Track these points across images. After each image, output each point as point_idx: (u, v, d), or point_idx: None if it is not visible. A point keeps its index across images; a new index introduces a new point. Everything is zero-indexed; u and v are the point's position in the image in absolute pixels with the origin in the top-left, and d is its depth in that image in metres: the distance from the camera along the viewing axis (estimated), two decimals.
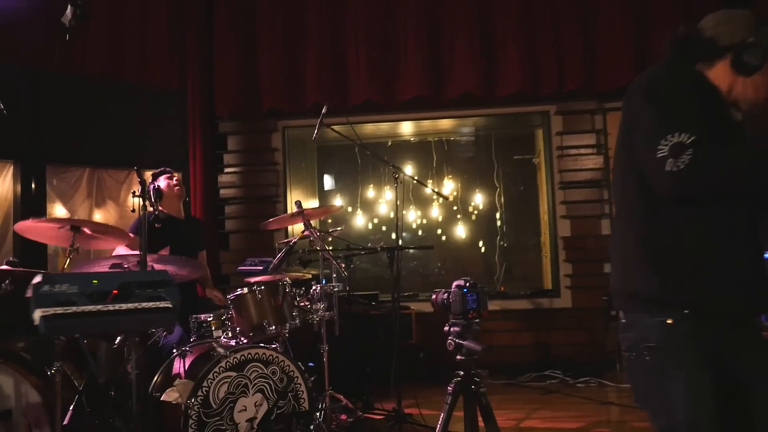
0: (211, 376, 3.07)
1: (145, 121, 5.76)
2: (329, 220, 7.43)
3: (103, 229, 3.48)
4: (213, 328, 3.63)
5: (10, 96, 5.08)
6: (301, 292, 3.72)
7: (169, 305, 2.20)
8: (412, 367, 5.63)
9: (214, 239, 6.17)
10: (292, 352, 4.15)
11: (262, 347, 3.26)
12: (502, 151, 7.22)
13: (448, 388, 2.38)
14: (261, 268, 4.68)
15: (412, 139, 7.36)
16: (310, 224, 3.82)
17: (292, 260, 4.66)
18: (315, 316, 3.67)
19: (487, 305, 2.30)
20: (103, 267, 3.20)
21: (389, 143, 7.26)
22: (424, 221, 7.53)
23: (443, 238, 7.45)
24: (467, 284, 2.25)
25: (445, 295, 2.33)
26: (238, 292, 3.51)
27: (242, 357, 3.18)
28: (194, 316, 3.75)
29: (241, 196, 6.33)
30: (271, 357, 3.26)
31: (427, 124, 6.94)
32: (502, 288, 6.85)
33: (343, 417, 4.07)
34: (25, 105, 5.09)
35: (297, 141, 6.62)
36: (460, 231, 7.36)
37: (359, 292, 5.82)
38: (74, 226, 3.26)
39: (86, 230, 3.34)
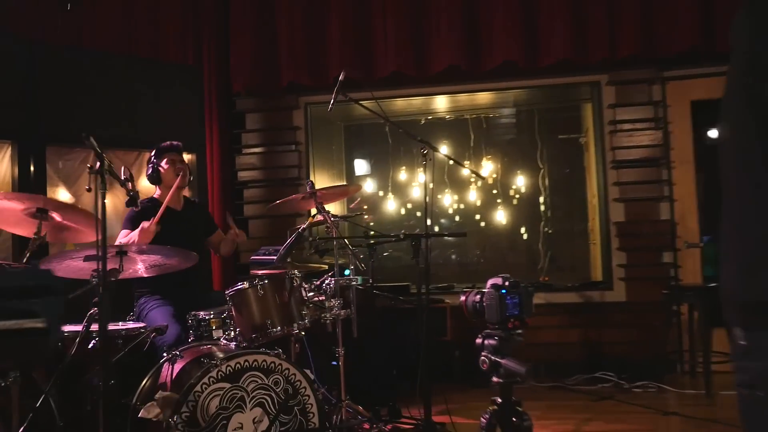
0: (199, 387, 2.58)
1: (157, 99, 5.32)
2: (365, 207, 6.91)
3: (73, 217, 3.01)
4: (213, 328, 3.15)
5: (6, 70, 4.69)
6: (313, 286, 3.20)
7: (40, 325, 1.52)
8: (445, 368, 5.09)
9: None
10: (310, 350, 3.66)
11: (261, 353, 2.76)
12: (546, 128, 6.58)
13: (482, 419, 1.83)
14: (274, 258, 4.20)
15: (447, 116, 6.77)
16: (323, 207, 3.30)
17: (307, 249, 4.16)
18: (328, 315, 3.16)
19: (532, 309, 1.74)
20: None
21: (422, 121, 6.68)
22: (461, 206, 6.95)
23: (482, 224, 6.86)
24: (506, 283, 1.70)
25: (478, 296, 1.78)
26: (237, 287, 3.01)
27: (237, 365, 2.69)
28: (193, 312, 3.28)
29: (260, 178, 5.85)
30: (272, 364, 2.76)
31: (463, 100, 6.34)
32: (545, 278, 6.25)
33: (366, 426, 3.56)
34: (23, 80, 4.68)
35: (321, 119, 6.10)
36: (500, 216, 6.76)
37: (387, 284, 5.29)
38: (40, 209, 2.80)
39: (56, 216, 2.88)
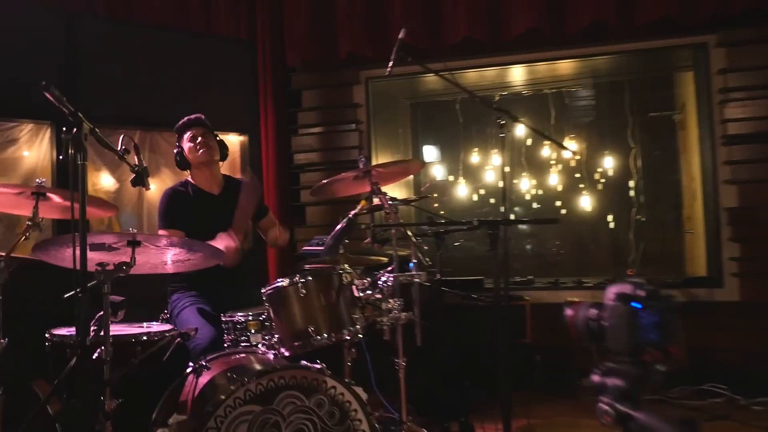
0: (222, 411, 2.08)
1: (208, 76, 4.88)
2: (435, 194, 6.34)
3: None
4: (251, 331, 2.66)
5: (44, 46, 4.34)
6: (368, 283, 2.66)
7: None
8: (525, 375, 4.47)
9: (287, 212, 5.24)
10: (369, 354, 3.14)
11: (300, 367, 2.24)
12: (638, 103, 5.80)
13: None
14: (323, 247, 3.68)
15: (524, 91, 6.09)
16: (379, 188, 2.74)
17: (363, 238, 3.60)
18: (386, 319, 2.60)
19: (679, 332, 1.13)
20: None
21: (497, 97, 6.02)
22: (540, 191, 6.27)
23: (563, 211, 6.16)
24: (639, 293, 1.09)
25: (593, 311, 1.19)
26: (275, 285, 2.50)
27: (271, 383, 2.17)
28: (229, 314, 2.79)
29: (318, 161, 5.36)
30: (314, 382, 2.23)
31: (542, 72, 5.64)
32: (631, 271, 5.52)
33: None
34: (62, 57, 4.32)
35: (384, 95, 5.54)
36: (585, 203, 6.03)
37: (458, 278, 4.70)
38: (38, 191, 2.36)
39: (54, 197, 2.43)
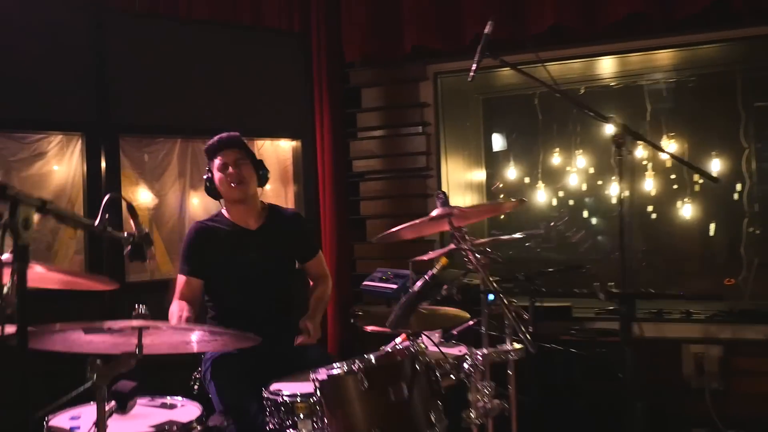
0: None
1: (256, 75, 4.34)
2: (521, 199, 5.63)
3: None
4: (300, 416, 2.08)
5: (71, 48, 3.85)
6: (449, 365, 2.03)
7: None
8: (624, 426, 3.77)
9: (346, 227, 4.66)
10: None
11: None
12: (753, 95, 4.94)
13: None
14: (395, 286, 3.09)
15: (612, 83, 5.31)
16: (461, 233, 2.09)
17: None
18: (474, 414, 1.97)
19: None
20: None
21: (582, 90, 5.26)
22: (629, 196, 5.45)
23: (653, 216, 5.36)
24: None
25: None
26: (329, 372, 1.90)
27: None
28: (272, 387, 2.23)
29: (380, 168, 4.74)
30: None
31: (637, 61, 4.87)
32: (730, 281, 4.73)
33: None
34: (91, 59, 3.82)
35: (453, 92, 4.87)
36: (686, 211, 5.22)
37: (543, 303, 4.01)
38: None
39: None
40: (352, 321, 4.30)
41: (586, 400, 3.64)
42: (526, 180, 5.79)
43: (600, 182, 5.54)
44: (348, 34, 4.59)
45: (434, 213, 2.12)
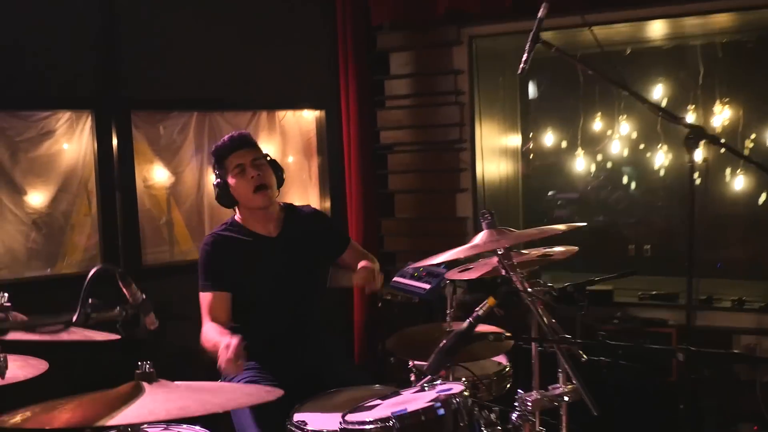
0: None
1: (276, 39, 4.03)
2: (530, 155, 5.33)
3: None
4: None
5: (80, 18, 3.56)
6: (493, 416, 1.80)
7: None
8: (670, 424, 3.56)
9: (372, 202, 4.39)
10: None
11: None
12: None
13: None
14: (427, 286, 2.84)
15: (662, 44, 4.89)
16: (510, 262, 1.82)
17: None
18: None
19: None
20: None
21: (628, 51, 4.85)
22: (672, 162, 5.09)
23: (703, 186, 4.98)
24: None
25: None
26: (359, 426, 1.68)
27: None
28: (297, 416, 2.03)
29: (409, 140, 4.43)
30: None
31: (689, 23, 4.44)
32: None
33: None
34: (100, 29, 3.54)
35: (489, 57, 4.50)
36: (738, 183, 4.86)
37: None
38: None
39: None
40: (379, 305, 4.09)
41: (632, 398, 3.42)
42: (563, 144, 5.45)
43: (642, 146, 5.19)
44: None
45: (478, 240, 1.84)
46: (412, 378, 2.43)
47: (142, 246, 3.81)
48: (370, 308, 4.25)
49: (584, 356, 1.76)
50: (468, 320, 1.71)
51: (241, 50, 3.89)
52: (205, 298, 2.49)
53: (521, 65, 2.18)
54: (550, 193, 5.28)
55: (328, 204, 4.40)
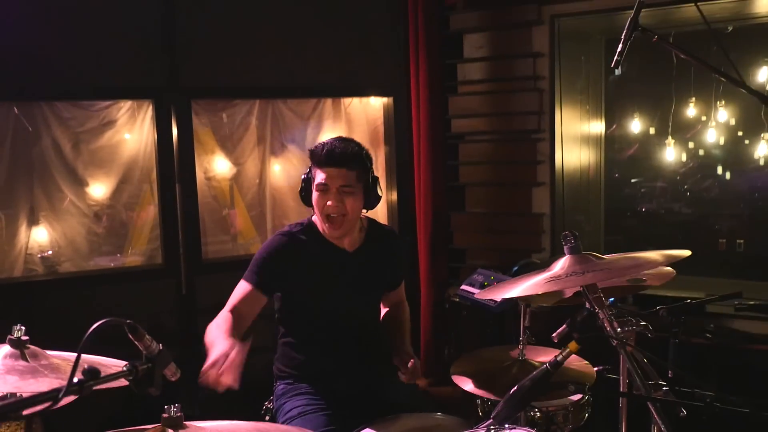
0: None
1: (342, 24, 3.81)
2: (614, 143, 4.94)
3: None
4: None
5: (140, 7, 3.44)
6: None
7: None
8: None
9: (442, 195, 4.14)
10: None
11: None
12: None
13: None
14: (498, 300, 2.58)
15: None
16: (596, 295, 1.55)
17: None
18: None
19: None
20: None
21: (729, 29, 4.38)
22: None
23: None
24: None
25: None
26: None
27: None
28: None
29: (483, 129, 4.14)
30: None
31: None
32: None
33: None
34: (160, 17, 3.41)
35: (572, 39, 4.14)
36: None
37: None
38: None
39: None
40: (447, 306, 3.86)
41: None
42: (651, 131, 5.02)
43: (741, 134, 4.71)
44: None
45: (560, 267, 1.57)
46: (478, 411, 2.19)
47: (204, 238, 3.70)
48: (436, 311, 4.03)
49: (683, 411, 1.48)
50: (545, 366, 1.46)
51: (306, 36, 3.69)
52: (243, 288, 2.25)
53: (615, 57, 1.88)
54: (633, 180, 4.91)
55: (394, 196, 4.18)
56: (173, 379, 1.23)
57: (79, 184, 3.49)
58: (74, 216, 3.49)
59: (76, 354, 1.03)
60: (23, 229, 3.41)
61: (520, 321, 2.15)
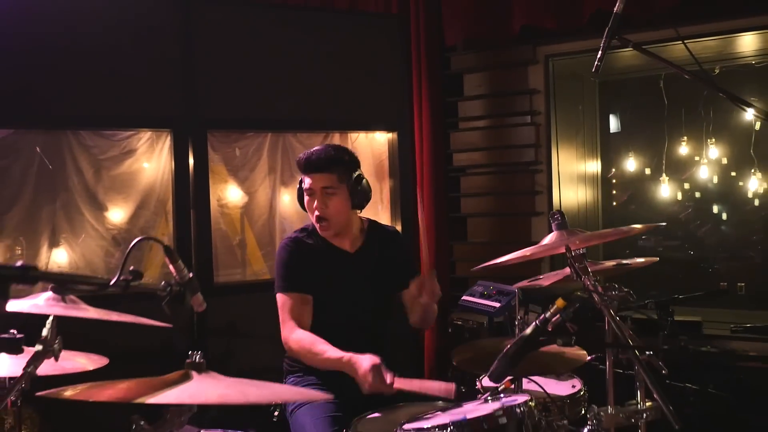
0: None
1: (350, 63, 4.04)
2: (614, 191, 5.13)
3: None
4: None
5: (161, 41, 3.69)
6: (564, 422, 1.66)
7: None
8: None
9: (445, 226, 4.30)
10: None
11: None
12: None
13: None
14: (497, 305, 2.71)
15: (754, 61, 4.63)
16: (582, 265, 1.69)
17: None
18: None
19: None
20: None
21: (717, 70, 4.62)
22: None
23: None
24: None
25: None
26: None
27: None
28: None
29: (483, 162, 4.34)
30: None
31: None
32: None
33: None
34: (179, 52, 3.65)
35: (566, 77, 4.38)
36: None
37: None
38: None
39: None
40: (449, 330, 3.96)
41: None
42: (647, 171, 5.21)
43: (734, 174, 4.90)
44: (449, 15, 4.20)
45: (548, 239, 1.73)
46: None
47: (215, 268, 3.83)
48: (440, 334, 4.13)
49: (665, 369, 1.60)
50: (534, 323, 1.59)
51: (317, 72, 3.92)
52: (286, 300, 2.36)
53: (596, 62, 2.06)
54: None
55: (399, 227, 4.33)
56: (199, 310, 1.37)
57: (99, 208, 3.65)
58: (93, 239, 3.64)
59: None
60: (44, 250, 3.56)
61: (517, 316, 2.27)
